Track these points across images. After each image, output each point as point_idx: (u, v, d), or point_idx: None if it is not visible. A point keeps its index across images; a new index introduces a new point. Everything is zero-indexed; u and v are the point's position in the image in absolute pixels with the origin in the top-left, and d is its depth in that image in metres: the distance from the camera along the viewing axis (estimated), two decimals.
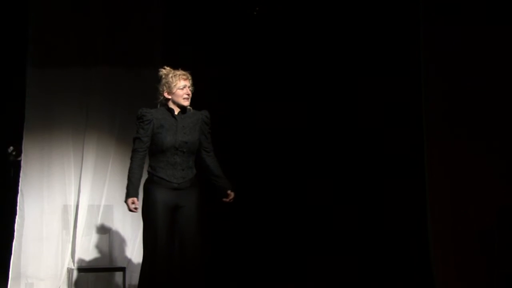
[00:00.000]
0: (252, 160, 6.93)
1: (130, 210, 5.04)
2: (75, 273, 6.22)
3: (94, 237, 6.40)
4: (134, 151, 5.08)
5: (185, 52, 6.72)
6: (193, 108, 5.21)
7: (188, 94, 5.12)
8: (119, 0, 6.59)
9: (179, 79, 5.11)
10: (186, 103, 5.13)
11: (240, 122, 6.95)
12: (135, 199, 5.01)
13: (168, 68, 5.17)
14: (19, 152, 6.68)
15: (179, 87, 5.10)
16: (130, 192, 5.02)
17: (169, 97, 5.13)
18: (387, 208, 6.77)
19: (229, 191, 5.24)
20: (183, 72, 5.16)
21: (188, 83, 5.13)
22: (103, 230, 6.42)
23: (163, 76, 5.14)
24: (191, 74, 5.19)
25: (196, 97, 5.26)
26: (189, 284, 5.02)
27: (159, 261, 4.94)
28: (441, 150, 6.44)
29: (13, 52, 6.71)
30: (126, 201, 5.03)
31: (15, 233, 6.27)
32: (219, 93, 6.87)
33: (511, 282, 6.02)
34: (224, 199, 5.25)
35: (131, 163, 5.07)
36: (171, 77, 5.12)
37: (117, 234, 6.40)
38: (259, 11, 6.92)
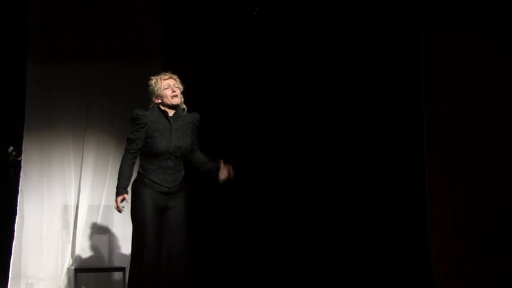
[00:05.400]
0: (250, 158, 6.92)
1: (118, 209, 5.11)
2: (75, 273, 6.22)
3: (94, 237, 6.40)
4: (126, 151, 5.16)
5: (185, 52, 6.73)
6: (189, 108, 5.23)
7: (174, 91, 5.15)
8: None
9: (161, 81, 5.17)
10: (175, 100, 5.16)
11: (239, 121, 6.95)
12: (125, 195, 5.08)
13: (154, 77, 5.21)
14: (19, 152, 6.69)
15: (164, 88, 5.15)
16: (120, 190, 5.11)
17: (159, 101, 5.17)
18: (387, 208, 6.77)
19: (221, 161, 5.23)
20: (165, 73, 5.23)
21: (171, 81, 5.18)
22: (103, 230, 6.42)
23: (150, 86, 5.20)
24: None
25: (196, 96, 5.27)
26: (176, 285, 5.05)
27: (147, 262, 4.98)
28: (441, 150, 6.45)
29: (13, 52, 6.70)
30: (116, 199, 5.12)
31: (15, 233, 6.28)
32: (219, 93, 6.87)
33: (511, 282, 6.02)
34: (222, 175, 5.22)
35: (122, 162, 5.15)
36: (154, 82, 5.19)
37: (117, 234, 6.40)
38: (259, 11, 6.93)
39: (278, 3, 6.94)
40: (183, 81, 5.28)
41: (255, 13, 6.93)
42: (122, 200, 5.11)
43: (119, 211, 5.14)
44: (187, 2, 6.85)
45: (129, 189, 5.18)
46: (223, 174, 5.26)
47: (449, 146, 6.43)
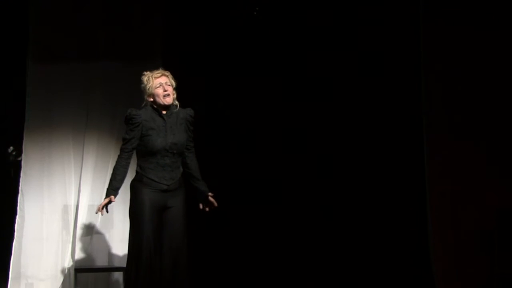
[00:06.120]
0: (250, 158, 6.91)
1: (97, 210, 5.15)
2: (75, 273, 6.22)
3: (94, 237, 6.40)
4: (121, 150, 5.20)
5: (185, 51, 6.72)
6: (186, 104, 5.25)
7: (165, 91, 5.15)
8: None
9: (153, 79, 5.17)
10: (167, 100, 5.16)
11: (239, 121, 6.94)
12: (112, 197, 5.11)
13: (147, 72, 5.23)
14: (19, 152, 6.69)
15: (155, 87, 5.15)
16: (108, 192, 5.14)
17: (151, 99, 5.19)
18: (387, 208, 6.77)
19: (209, 194, 5.30)
20: (158, 71, 5.23)
21: (163, 80, 5.18)
22: (103, 230, 6.42)
23: (142, 83, 5.21)
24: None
25: (196, 96, 5.28)
26: (175, 285, 5.06)
27: (144, 261, 5.00)
28: (441, 150, 6.44)
29: (14, 52, 6.70)
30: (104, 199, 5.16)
31: (15, 233, 6.28)
32: (219, 92, 6.87)
33: (511, 282, 6.02)
34: (203, 206, 5.33)
35: (116, 163, 5.19)
36: (147, 80, 5.19)
37: (117, 234, 6.39)
38: (259, 11, 6.93)
39: (278, 3, 6.94)
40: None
41: (255, 13, 6.93)
42: (109, 202, 5.12)
43: (97, 212, 5.16)
44: (187, 2, 6.84)
45: (127, 188, 5.21)
46: (205, 206, 5.34)
47: (449, 147, 6.42)
